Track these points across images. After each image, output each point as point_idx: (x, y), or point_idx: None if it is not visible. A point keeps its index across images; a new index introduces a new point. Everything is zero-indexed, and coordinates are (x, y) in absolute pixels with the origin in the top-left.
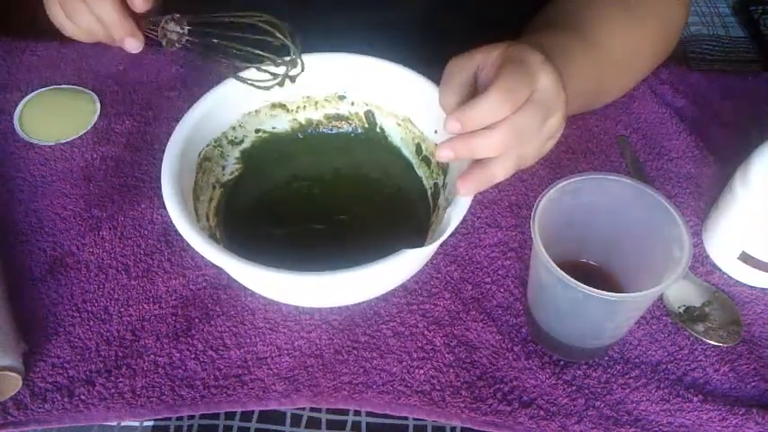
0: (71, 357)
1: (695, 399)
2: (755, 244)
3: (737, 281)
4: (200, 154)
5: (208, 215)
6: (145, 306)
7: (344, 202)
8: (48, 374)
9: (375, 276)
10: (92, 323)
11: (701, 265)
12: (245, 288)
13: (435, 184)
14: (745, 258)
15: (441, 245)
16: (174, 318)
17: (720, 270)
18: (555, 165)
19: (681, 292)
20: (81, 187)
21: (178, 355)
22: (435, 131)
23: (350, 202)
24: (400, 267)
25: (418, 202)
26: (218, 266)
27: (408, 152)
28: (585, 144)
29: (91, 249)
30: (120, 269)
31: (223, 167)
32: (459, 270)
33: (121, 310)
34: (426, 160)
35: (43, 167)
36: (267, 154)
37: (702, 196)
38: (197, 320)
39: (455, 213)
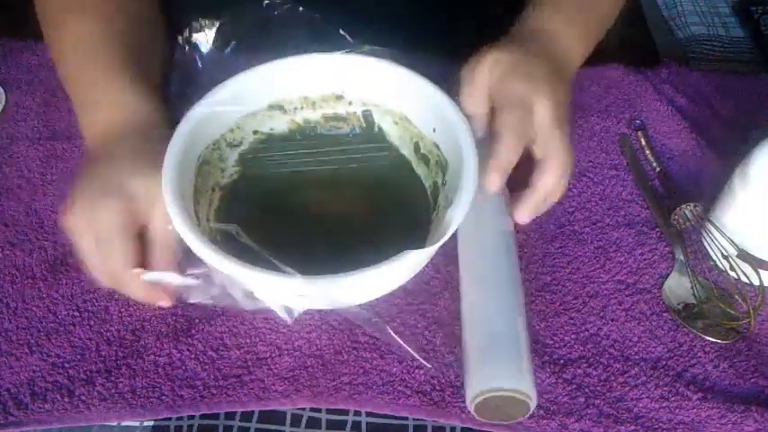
0: (71, 357)
1: (694, 396)
2: (754, 241)
3: (736, 278)
4: (198, 157)
5: (208, 218)
6: (145, 306)
7: (344, 202)
8: (48, 374)
9: (379, 278)
10: (92, 323)
11: (701, 262)
12: None
13: (434, 183)
14: (744, 256)
15: (441, 245)
16: (174, 318)
17: (719, 267)
18: None
19: (680, 289)
20: None
21: (178, 355)
22: (434, 130)
23: (349, 203)
24: (404, 268)
25: (418, 202)
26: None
27: (407, 151)
28: (586, 142)
29: None
30: None
31: (222, 170)
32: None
33: (122, 310)
34: (425, 158)
35: (44, 167)
36: (266, 156)
37: (702, 194)
38: (197, 320)
39: (456, 213)
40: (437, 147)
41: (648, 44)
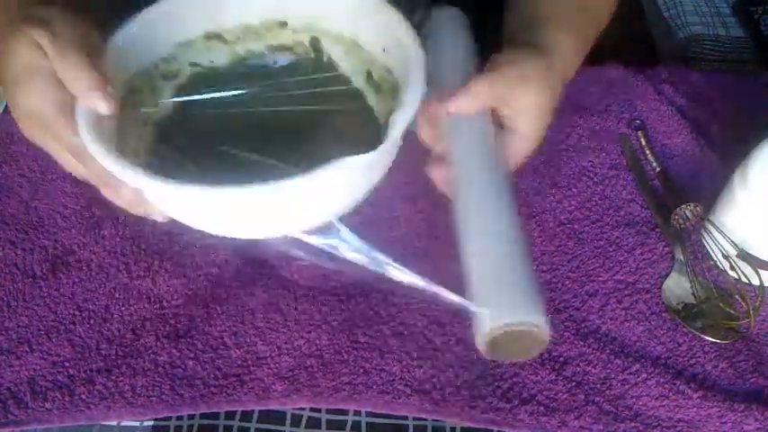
0: (72, 356)
1: (695, 395)
2: (754, 241)
3: (736, 278)
4: (126, 83)
5: (138, 152)
6: (146, 305)
7: (291, 136)
8: (48, 373)
9: (319, 186)
10: (93, 322)
11: (700, 262)
12: (245, 287)
13: (389, 110)
14: (744, 256)
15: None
16: (174, 317)
17: (719, 267)
18: (555, 162)
19: (679, 288)
20: (82, 186)
21: (178, 354)
22: (383, 50)
23: (297, 136)
24: (344, 176)
25: (371, 132)
26: (217, 265)
27: (359, 82)
28: (586, 142)
29: (92, 248)
30: (121, 268)
31: (155, 104)
32: None
33: (122, 309)
34: (376, 86)
35: (44, 166)
36: (205, 90)
37: (702, 194)
38: (197, 320)
39: (400, 116)
40: (389, 72)
41: (648, 44)
